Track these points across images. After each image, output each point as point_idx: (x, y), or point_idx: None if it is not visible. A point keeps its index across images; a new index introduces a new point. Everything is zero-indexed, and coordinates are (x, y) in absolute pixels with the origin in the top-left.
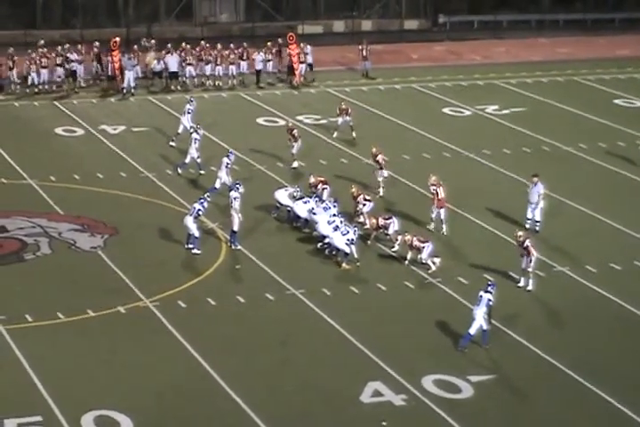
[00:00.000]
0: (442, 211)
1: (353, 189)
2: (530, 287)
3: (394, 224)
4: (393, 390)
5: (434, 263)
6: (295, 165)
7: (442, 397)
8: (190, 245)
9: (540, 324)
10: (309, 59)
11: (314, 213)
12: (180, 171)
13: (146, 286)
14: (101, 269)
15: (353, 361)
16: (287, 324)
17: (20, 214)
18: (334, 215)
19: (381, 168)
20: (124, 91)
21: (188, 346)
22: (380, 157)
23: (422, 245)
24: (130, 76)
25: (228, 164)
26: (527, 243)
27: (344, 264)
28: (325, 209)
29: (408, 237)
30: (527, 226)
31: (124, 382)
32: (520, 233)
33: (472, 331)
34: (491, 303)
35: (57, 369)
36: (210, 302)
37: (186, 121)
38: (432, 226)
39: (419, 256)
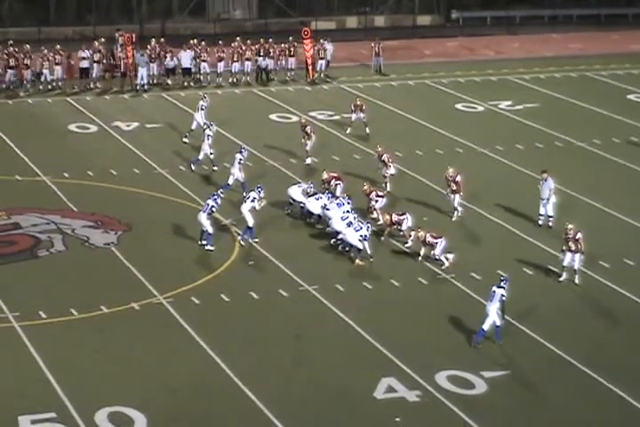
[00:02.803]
0: (457, 196)
1: (365, 187)
2: (577, 281)
3: (407, 220)
4: (406, 386)
5: (447, 259)
6: (309, 161)
7: (455, 393)
8: (204, 242)
9: (554, 320)
10: (328, 55)
11: (327, 209)
12: (193, 167)
13: (159, 283)
14: (115, 266)
15: (367, 357)
16: (301, 320)
17: (33, 211)
18: (348, 211)
19: (387, 166)
20: (137, 87)
21: (202, 342)
22: (384, 157)
23: (435, 241)
24: (143, 73)
25: (240, 160)
26: (579, 235)
27: (357, 260)
28: (339, 205)
29: (421, 233)
30: (540, 222)
31: (138, 378)
32: (571, 226)
33: (485, 327)
34: (504, 299)
35: (71, 366)
36: (223, 299)
37: (199, 117)
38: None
39: (432, 252)
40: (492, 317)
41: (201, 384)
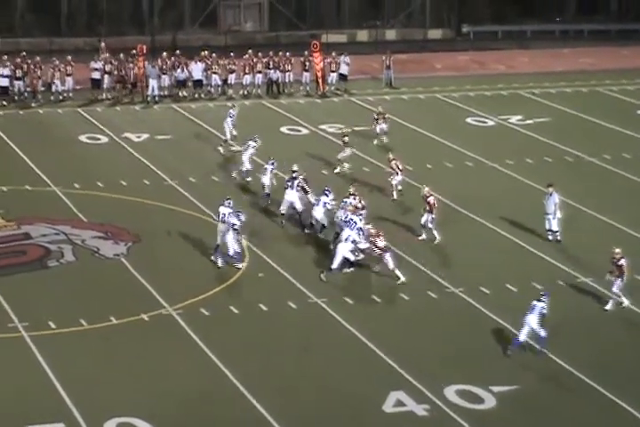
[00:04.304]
0: (429, 216)
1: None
2: (608, 306)
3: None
4: (415, 400)
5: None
6: (338, 170)
7: (464, 407)
8: (218, 259)
9: (564, 334)
10: (343, 69)
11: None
12: (235, 175)
13: (169, 294)
14: (124, 277)
15: (375, 370)
16: (309, 332)
17: (43, 221)
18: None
19: (397, 173)
20: (149, 99)
21: (211, 354)
22: (393, 163)
23: (382, 253)
24: (154, 85)
25: (272, 169)
26: (622, 262)
27: (322, 275)
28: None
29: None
30: (550, 237)
31: (147, 389)
32: (617, 250)
33: (521, 337)
34: (544, 311)
35: (80, 376)
36: (232, 311)
37: (227, 125)
38: (423, 235)
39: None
40: (529, 327)
41: (209, 395)
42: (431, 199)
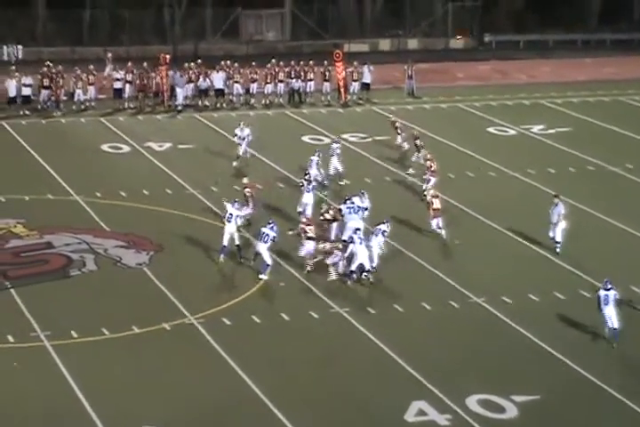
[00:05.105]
0: (439, 220)
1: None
2: None
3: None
4: (437, 410)
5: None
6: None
7: (486, 417)
8: (261, 274)
9: (586, 344)
10: (366, 78)
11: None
12: (341, 182)
13: (191, 303)
14: (147, 286)
15: (397, 380)
16: (331, 342)
17: (66, 231)
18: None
19: (418, 151)
20: (177, 108)
21: (233, 363)
22: (428, 163)
23: (334, 251)
24: (181, 94)
25: (317, 161)
26: None
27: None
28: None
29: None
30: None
31: (169, 398)
32: None
33: (614, 325)
34: (617, 297)
35: (102, 385)
36: (254, 320)
37: (335, 162)
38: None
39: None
40: (609, 317)
41: (231, 405)
42: (436, 201)
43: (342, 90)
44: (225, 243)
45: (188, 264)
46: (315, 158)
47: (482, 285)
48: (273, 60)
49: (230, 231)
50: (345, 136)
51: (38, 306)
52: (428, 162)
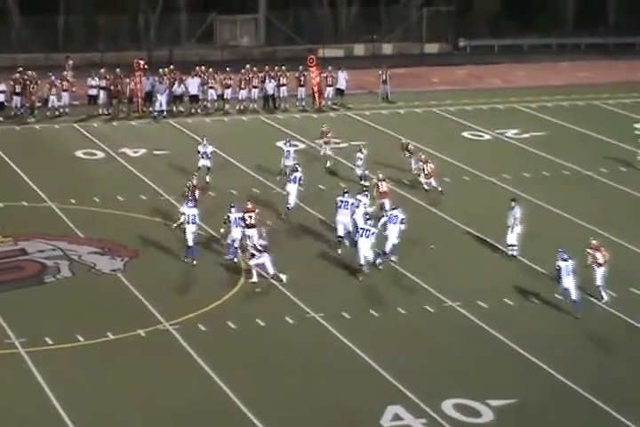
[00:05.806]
0: (386, 201)
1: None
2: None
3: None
4: (413, 415)
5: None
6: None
7: (461, 421)
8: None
9: (562, 348)
10: (341, 84)
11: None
12: (365, 183)
13: (166, 309)
14: (121, 292)
15: (373, 385)
16: (307, 347)
17: (40, 237)
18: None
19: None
20: (155, 114)
21: (208, 369)
22: (410, 146)
23: (257, 254)
24: (162, 100)
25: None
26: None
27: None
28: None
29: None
30: (509, 252)
31: (144, 404)
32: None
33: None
34: (575, 267)
35: (77, 392)
36: (230, 326)
37: (358, 169)
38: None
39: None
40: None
41: (207, 411)
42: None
43: (317, 95)
44: (190, 243)
45: (162, 270)
46: (289, 149)
47: (457, 289)
48: (247, 66)
49: (192, 231)
50: (319, 141)
51: (13, 313)
52: (422, 164)
